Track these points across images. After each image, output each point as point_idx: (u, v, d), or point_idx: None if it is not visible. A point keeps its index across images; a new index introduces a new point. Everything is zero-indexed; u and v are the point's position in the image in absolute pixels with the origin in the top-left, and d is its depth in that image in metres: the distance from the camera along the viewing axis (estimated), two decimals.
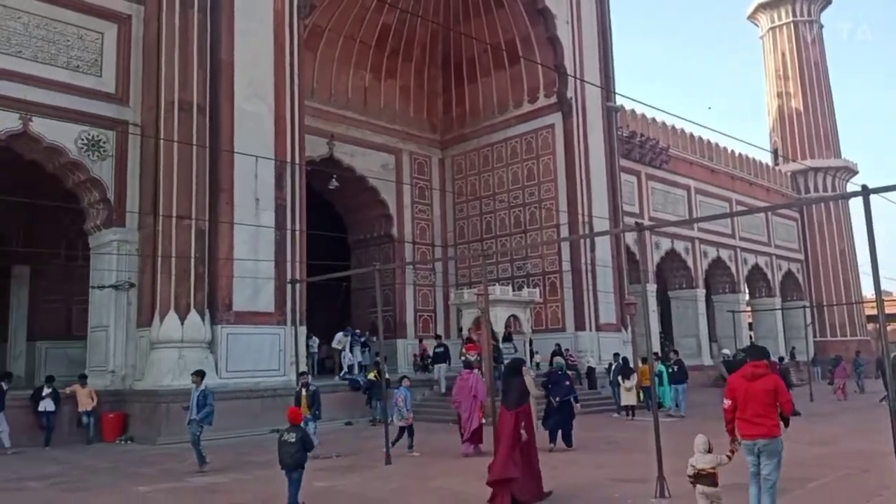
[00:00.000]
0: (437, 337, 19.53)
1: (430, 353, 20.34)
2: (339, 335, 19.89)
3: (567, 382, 12.10)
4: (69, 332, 19.81)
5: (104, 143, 15.91)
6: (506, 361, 18.51)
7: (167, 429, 13.82)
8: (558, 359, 13.38)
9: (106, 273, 16.01)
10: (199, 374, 10.67)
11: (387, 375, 14.35)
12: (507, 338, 19.83)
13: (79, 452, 12.99)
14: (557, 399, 11.80)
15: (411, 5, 23.31)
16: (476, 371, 12.34)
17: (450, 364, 18.74)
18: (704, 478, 5.71)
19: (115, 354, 15.76)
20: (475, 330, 19.49)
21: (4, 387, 13.60)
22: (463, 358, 17.88)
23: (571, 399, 11.85)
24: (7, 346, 20.55)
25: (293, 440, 7.14)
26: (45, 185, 17.12)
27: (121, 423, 14.74)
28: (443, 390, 18.00)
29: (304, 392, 11.43)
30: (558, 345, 20.88)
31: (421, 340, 23.09)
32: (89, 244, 16.86)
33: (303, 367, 15.20)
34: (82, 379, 14.78)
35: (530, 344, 20.27)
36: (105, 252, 16.21)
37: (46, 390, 14.17)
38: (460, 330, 22.04)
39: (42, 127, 15.05)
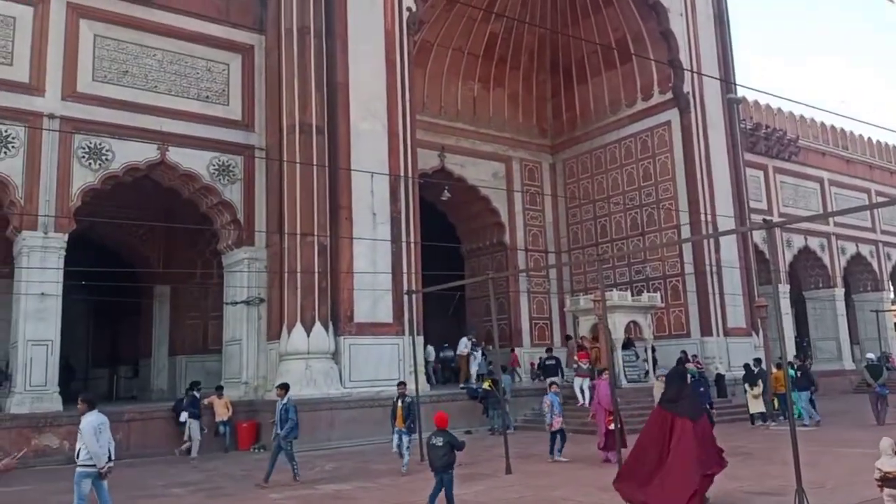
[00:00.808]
0: (548, 350, 19.28)
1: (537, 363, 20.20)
2: (465, 340, 19.99)
3: (702, 389, 11.90)
4: (206, 346, 20.85)
5: (233, 167, 16.85)
6: (629, 369, 18.70)
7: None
8: (689, 366, 13.02)
9: (238, 290, 16.91)
10: (283, 388, 10.76)
11: (503, 385, 14.40)
12: (628, 344, 19.43)
13: (218, 460, 13.56)
14: None
15: (518, 12, 23.33)
16: (605, 375, 12.32)
17: (562, 376, 18.54)
18: (892, 480, 5.55)
19: (248, 366, 16.54)
20: (588, 339, 19.39)
21: (197, 395, 14.27)
22: (576, 366, 18.02)
23: (707, 407, 11.55)
24: (151, 361, 21.87)
25: (441, 444, 7.41)
26: (181, 210, 18.34)
27: (254, 431, 15.26)
28: (586, 403, 17.65)
29: (399, 403, 11.34)
30: (684, 352, 20.30)
31: (512, 350, 22.79)
32: (223, 263, 17.87)
33: (422, 378, 15.38)
34: (219, 390, 15.42)
35: (652, 351, 19.76)
36: (237, 270, 17.13)
37: (191, 395, 14.68)
38: (568, 338, 22.08)
39: (177, 155, 16.04)
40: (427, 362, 21.46)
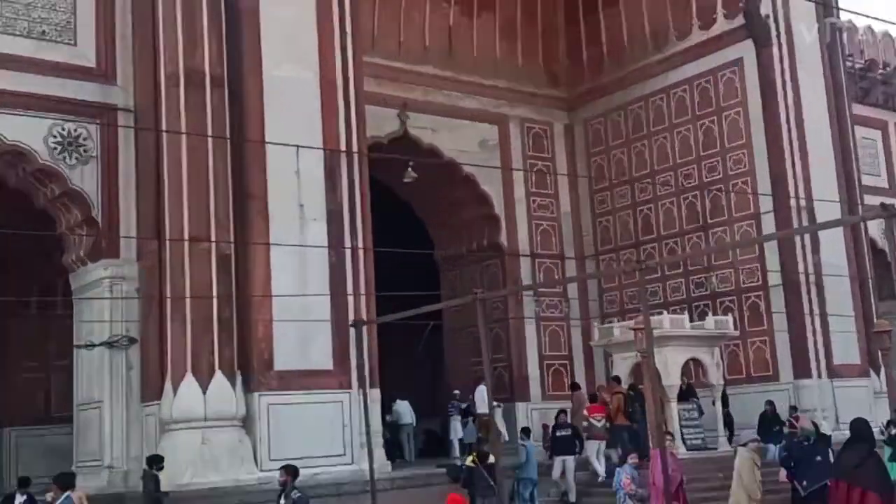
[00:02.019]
0: (562, 413, 19.17)
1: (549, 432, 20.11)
2: (482, 388, 20.11)
3: (819, 458, 12.31)
4: (48, 412, 20.62)
5: (84, 139, 16.69)
6: (689, 430, 18.93)
7: None
8: (805, 423, 13.86)
9: (96, 325, 16.65)
10: (290, 472, 11.36)
11: (492, 459, 14.43)
12: (687, 394, 19.69)
13: None
14: (805, 485, 12.14)
15: None
16: (669, 441, 12.67)
17: (580, 452, 18.68)
18: None
19: (113, 442, 16.24)
20: (607, 388, 19.92)
21: (44, 498, 13.51)
22: (586, 424, 18.51)
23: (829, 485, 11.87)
24: None
25: None
26: (6, 206, 18.01)
27: None
28: (603, 475, 18.06)
29: (282, 502, 11.41)
30: (771, 402, 20.50)
31: (474, 418, 22.04)
32: (71, 285, 17.61)
33: (379, 451, 15.34)
34: (63, 480, 13.60)
35: (723, 402, 20.04)
36: (93, 296, 16.89)
37: (19, 499, 14.01)
38: (575, 387, 22.25)
39: None
40: (400, 426, 21.71)
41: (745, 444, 14.37)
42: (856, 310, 22.40)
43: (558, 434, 18.55)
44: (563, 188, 25.67)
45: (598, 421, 18.29)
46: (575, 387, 22.51)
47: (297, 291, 16.19)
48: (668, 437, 13.87)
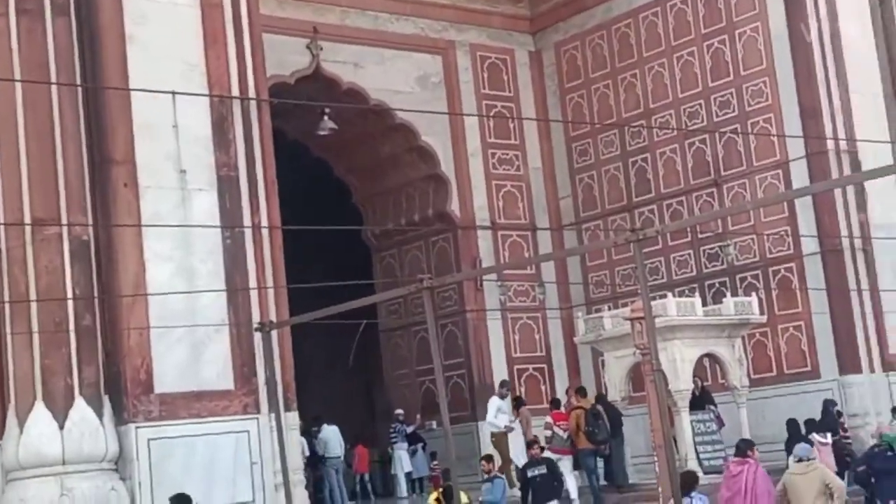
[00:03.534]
0: (535, 443, 18.62)
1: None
2: (495, 400, 20.39)
3: None
4: None
5: None
6: (704, 447, 19.01)
7: None
8: (888, 431, 14.31)
9: None
10: None
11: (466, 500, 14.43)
12: (701, 400, 19.83)
13: None
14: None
15: None
16: (751, 459, 13.03)
17: (561, 495, 18.11)
18: None
19: None
20: (575, 394, 20.39)
21: None
22: (548, 434, 19.12)
23: None
24: None
25: None
26: None
27: None
28: (576, 498, 18.61)
29: None
30: (832, 402, 20.59)
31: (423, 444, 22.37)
32: None
33: (300, 493, 15.32)
34: None
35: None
36: None
37: None
38: (554, 403, 21.64)
39: None
40: (326, 460, 21.84)
41: (803, 460, 13.63)
42: None
43: (530, 474, 17.49)
44: (530, 137, 25.70)
45: (563, 431, 18.70)
46: (554, 403, 21.69)
47: (181, 287, 16.13)
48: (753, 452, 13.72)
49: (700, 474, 17.04)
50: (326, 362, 24.35)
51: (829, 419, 19.84)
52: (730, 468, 13.33)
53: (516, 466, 19.68)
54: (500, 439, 20.80)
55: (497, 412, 20.88)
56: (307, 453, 20.32)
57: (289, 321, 16.64)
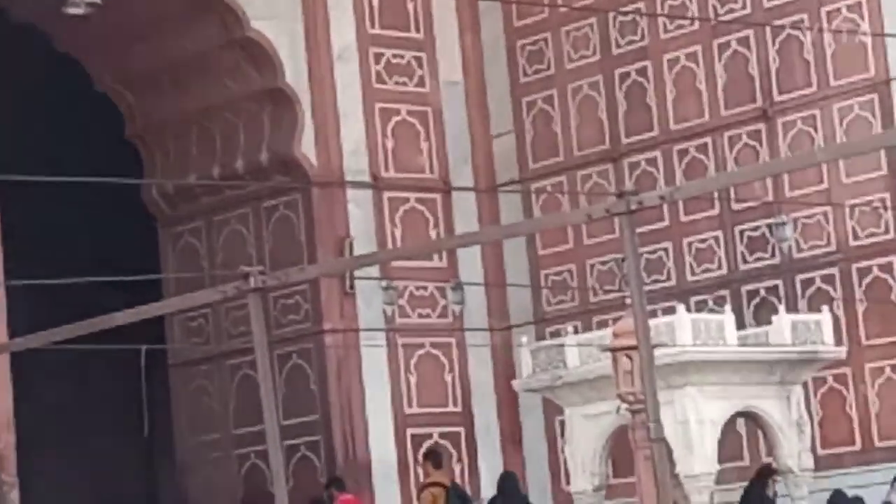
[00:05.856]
0: None
1: None
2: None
3: None
4: None
5: None
6: None
7: None
8: None
9: None
10: None
11: None
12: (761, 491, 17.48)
13: None
14: None
15: None
16: None
17: None
18: None
19: None
20: (425, 462, 19.14)
21: None
22: None
23: None
24: None
25: None
26: None
27: None
28: None
29: None
30: None
31: None
32: None
33: None
34: None
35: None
36: None
37: None
38: (328, 485, 20.04)
39: None
40: None
41: None
42: None
43: None
44: (444, 25, 21.74)
45: None
46: (328, 486, 19.47)
47: None
48: None
49: None
50: (75, 423, 20.60)
51: None
52: None
53: None
54: None
55: None
56: None
57: (10, 345, 14.67)
